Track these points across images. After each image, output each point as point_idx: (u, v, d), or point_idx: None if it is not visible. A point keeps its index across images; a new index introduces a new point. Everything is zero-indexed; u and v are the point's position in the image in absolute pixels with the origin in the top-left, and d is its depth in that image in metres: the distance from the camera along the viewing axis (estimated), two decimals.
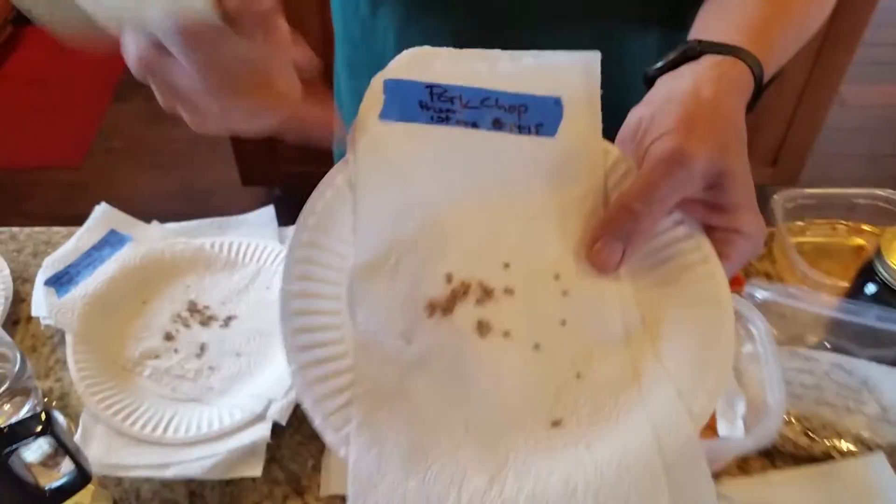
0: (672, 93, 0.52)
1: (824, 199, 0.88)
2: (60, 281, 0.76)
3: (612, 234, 0.49)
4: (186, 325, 0.75)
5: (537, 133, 0.53)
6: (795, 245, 0.87)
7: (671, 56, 0.55)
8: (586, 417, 0.46)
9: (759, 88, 0.55)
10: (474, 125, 0.52)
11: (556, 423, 0.46)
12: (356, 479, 0.43)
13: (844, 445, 0.69)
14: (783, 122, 2.08)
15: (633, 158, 0.51)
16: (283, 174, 2.17)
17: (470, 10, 0.70)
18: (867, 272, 0.72)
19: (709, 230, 0.50)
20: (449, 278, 0.50)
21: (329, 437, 0.44)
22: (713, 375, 0.46)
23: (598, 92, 0.53)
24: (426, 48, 0.54)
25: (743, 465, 0.70)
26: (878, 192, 0.87)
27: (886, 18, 3.06)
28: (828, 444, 0.69)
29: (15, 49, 2.95)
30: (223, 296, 0.78)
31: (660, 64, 0.56)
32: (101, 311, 0.75)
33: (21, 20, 3.03)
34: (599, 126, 0.53)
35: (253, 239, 0.82)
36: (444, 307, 0.49)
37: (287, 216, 0.87)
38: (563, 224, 0.52)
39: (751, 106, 0.55)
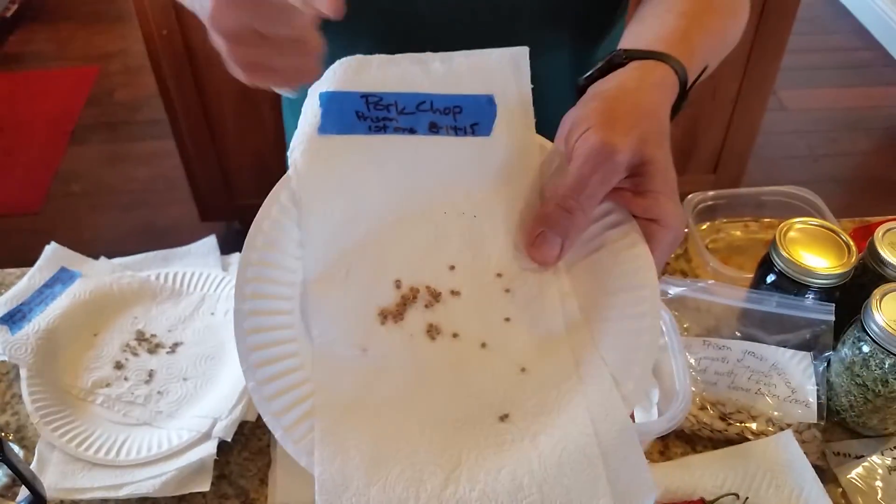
0: (597, 92, 0.56)
1: (734, 198, 0.94)
2: (14, 318, 0.80)
3: (550, 230, 0.52)
4: (135, 354, 0.79)
5: (473, 133, 0.55)
6: (709, 243, 0.93)
7: (599, 65, 0.59)
8: (531, 410, 0.49)
9: (684, 89, 0.59)
10: (412, 131, 0.54)
11: (503, 418, 0.48)
12: (323, 490, 0.45)
13: (756, 426, 0.74)
14: (720, 130, 2.16)
15: (562, 151, 0.54)
16: (240, 207, 2.21)
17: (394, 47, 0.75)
18: (766, 263, 0.78)
19: None
20: (398, 284, 0.53)
21: (290, 448, 0.46)
22: (641, 360, 0.48)
23: (528, 86, 0.56)
24: (359, 56, 0.55)
25: (665, 451, 0.75)
26: (783, 188, 0.93)
27: (811, 27, 3.19)
28: (741, 426, 0.75)
29: None
30: (169, 324, 0.82)
31: (589, 73, 0.59)
32: (54, 345, 0.79)
33: None
34: (532, 120, 0.56)
35: (197, 268, 0.86)
36: (395, 314, 0.52)
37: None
38: (504, 221, 0.54)
39: (678, 105, 0.59)
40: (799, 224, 0.78)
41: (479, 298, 0.53)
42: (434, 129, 0.55)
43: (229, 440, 0.71)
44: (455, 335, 0.52)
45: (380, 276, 0.53)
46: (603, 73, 0.58)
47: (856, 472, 0.72)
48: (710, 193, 0.92)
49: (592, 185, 0.50)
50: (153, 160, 2.67)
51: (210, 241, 0.90)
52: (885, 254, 0.75)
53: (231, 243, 0.92)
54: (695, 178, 2.23)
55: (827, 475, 0.72)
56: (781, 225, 0.78)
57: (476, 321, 0.52)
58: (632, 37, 0.64)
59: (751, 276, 0.82)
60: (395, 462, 0.46)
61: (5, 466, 0.63)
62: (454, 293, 0.53)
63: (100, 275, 0.86)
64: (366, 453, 0.46)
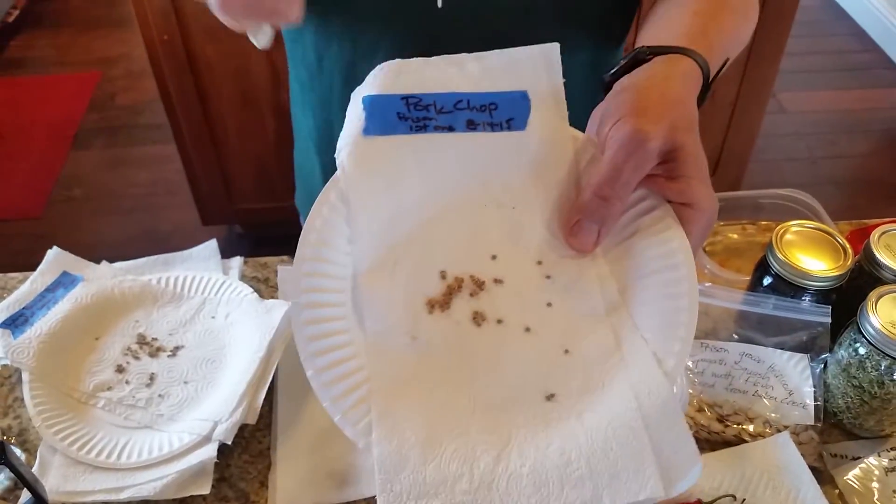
0: (626, 85, 0.58)
1: (732, 201, 0.94)
2: (16, 322, 0.80)
3: (587, 219, 0.54)
4: (136, 358, 0.80)
5: (509, 128, 0.57)
6: (707, 246, 0.93)
7: (623, 62, 0.61)
8: (576, 389, 0.51)
9: (707, 81, 0.61)
10: (450, 129, 0.57)
11: (549, 398, 0.51)
12: (382, 469, 0.48)
13: (754, 428, 0.75)
14: (720, 133, 2.17)
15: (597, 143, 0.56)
16: (241, 211, 2.22)
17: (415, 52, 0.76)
18: (763, 266, 0.78)
19: None
20: (443, 275, 0.56)
21: (348, 431, 0.49)
22: (681, 338, 0.50)
23: (560, 81, 0.58)
24: (398, 61, 0.58)
25: None
26: (781, 192, 0.93)
27: (810, 30, 3.20)
28: (739, 427, 0.75)
29: None
30: (170, 327, 0.82)
31: (614, 69, 0.62)
32: (56, 349, 0.79)
33: None
34: (566, 113, 0.58)
35: (198, 272, 0.87)
36: (442, 303, 0.55)
37: (248, 250, 0.92)
38: (541, 211, 0.57)
39: (702, 97, 0.61)
40: (795, 227, 0.79)
41: (521, 285, 0.56)
42: (472, 126, 0.57)
43: (230, 443, 0.71)
44: (500, 321, 0.54)
45: (426, 268, 0.56)
46: (627, 69, 0.61)
47: (852, 474, 0.72)
48: None
49: (626, 172, 0.52)
50: (154, 164, 2.68)
51: (211, 245, 0.91)
52: (881, 256, 0.75)
53: (232, 247, 0.93)
54: None
55: (824, 476, 0.72)
56: (778, 228, 0.78)
57: (519, 307, 0.55)
58: (650, 35, 0.66)
59: (748, 278, 0.82)
60: (449, 441, 0.49)
61: (7, 470, 0.64)
62: (497, 281, 0.56)
63: (101, 279, 0.86)
64: (420, 434, 0.49)
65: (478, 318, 0.54)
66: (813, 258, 0.76)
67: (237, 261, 0.90)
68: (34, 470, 0.70)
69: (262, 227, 2.28)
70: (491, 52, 0.59)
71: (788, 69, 2.85)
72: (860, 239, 0.81)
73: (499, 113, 0.58)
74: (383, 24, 0.77)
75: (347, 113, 0.58)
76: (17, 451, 0.74)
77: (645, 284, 0.54)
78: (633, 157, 0.52)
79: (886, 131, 2.82)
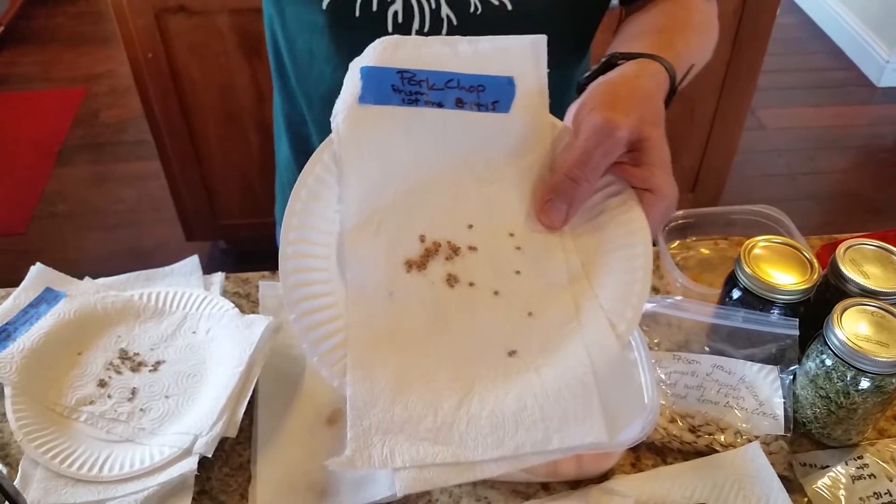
0: (599, 82, 0.63)
1: (704, 217, 0.97)
2: None
3: (557, 198, 0.59)
4: (118, 372, 0.80)
5: (494, 110, 0.62)
6: (680, 261, 0.95)
7: (597, 66, 0.67)
8: (536, 347, 0.57)
9: (673, 86, 0.67)
10: (440, 105, 0.61)
11: (511, 354, 0.57)
12: (354, 407, 0.52)
13: (725, 438, 0.76)
14: (698, 149, 2.20)
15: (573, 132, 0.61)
16: (225, 227, 2.22)
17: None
18: (732, 279, 0.80)
19: None
20: (422, 239, 0.60)
21: (325, 371, 0.54)
22: (633, 305, 0.56)
23: (545, 71, 0.62)
24: (396, 36, 0.62)
25: (636, 463, 0.76)
26: (752, 207, 0.96)
27: (787, 48, 3.26)
28: (710, 438, 0.77)
29: None
30: (152, 342, 0.83)
31: (588, 74, 0.68)
32: (39, 364, 0.80)
33: None
34: (547, 101, 0.62)
35: (179, 288, 0.88)
36: (419, 264, 0.59)
37: (232, 266, 0.94)
38: (517, 188, 0.62)
39: (669, 99, 0.66)
40: (763, 242, 0.81)
41: (493, 253, 0.61)
42: (460, 104, 0.62)
43: (210, 456, 0.72)
44: (471, 284, 0.59)
45: (407, 231, 0.60)
46: (601, 72, 0.66)
47: (821, 482, 0.74)
48: (680, 213, 0.95)
49: (596, 157, 0.58)
50: (138, 181, 2.68)
51: (192, 261, 0.92)
52: (846, 270, 0.77)
53: (216, 263, 0.94)
54: None
55: (793, 485, 0.74)
56: (746, 242, 0.80)
57: (490, 272, 0.60)
58: (622, 47, 0.71)
59: (719, 291, 0.84)
60: (417, 387, 0.54)
61: None
62: (471, 248, 0.61)
63: (84, 295, 0.87)
64: (391, 379, 0.54)
65: (451, 280, 0.59)
66: (781, 272, 0.78)
67: (218, 276, 0.91)
68: (16, 483, 0.70)
69: (245, 243, 2.28)
70: (484, 37, 0.63)
71: (767, 86, 2.90)
72: (830, 253, 0.83)
73: (486, 95, 0.62)
74: (369, 27, 0.80)
75: (345, 81, 0.62)
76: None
77: (606, 260, 0.59)
78: (603, 143, 0.57)
79: (863, 147, 2.87)
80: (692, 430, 0.77)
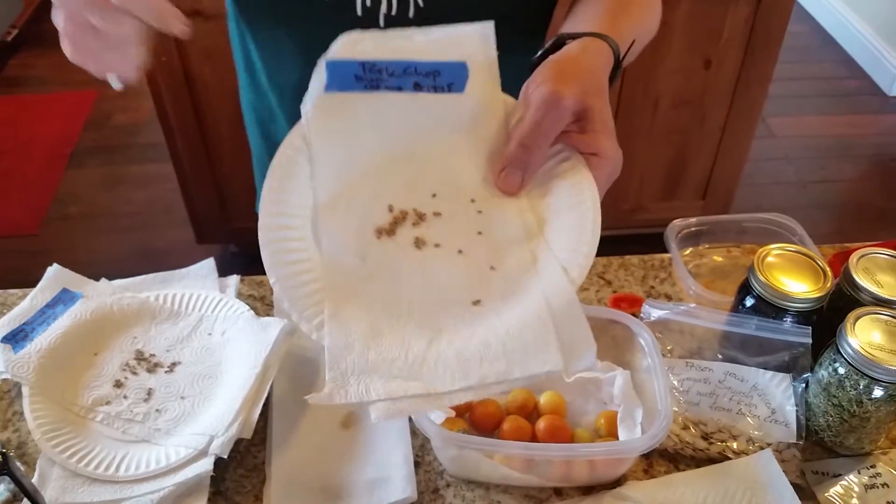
0: (547, 60, 0.67)
1: (717, 224, 0.97)
2: (16, 338, 0.82)
3: (513, 166, 0.65)
4: (134, 373, 0.81)
5: (450, 91, 0.68)
6: (693, 268, 0.95)
7: (546, 47, 0.71)
8: (498, 296, 0.62)
9: (617, 61, 0.71)
10: (399, 89, 0.67)
11: (475, 303, 0.62)
12: (331, 354, 0.57)
13: (737, 446, 0.77)
14: (709, 157, 2.20)
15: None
16: (236, 230, 2.23)
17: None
18: (745, 287, 0.80)
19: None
20: (391, 209, 0.66)
21: (304, 326, 0.59)
22: (584, 253, 0.61)
23: (495, 53, 0.68)
24: (357, 31, 0.67)
25: (649, 469, 0.77)
26: (764, 215, 0.96)
27: (799, 56, 3.25)
28: (723, 445, 0.77)
29: None
30: (168, 344, 0.84)
31: (539, 53, 0.71)
32: (55, 364, 0.81)
33: None
34: (498, 81, 0.68)
35: (195, 290, 0.89)
36: (389, 230, 0.65)
37: (242, 269, 0.94)
38: (475, 160, 0.68)
39: (613, 76, 0.71)
40: (777, 250, 0.81)
41: (456, 217, 0.66)
42: (418, 87, 0.67)
43: (225, 457, 0.73)
44: (437, 245, 0.65)
45: (376, 202, 0.66)
46: (549, 53, 0.70)
47: (833, 491, 0.74)
48: (693, 220, 0.95)
49: (545, 125, 0.63)
50: (150, 183, 2.70)
51: (208, 264, 0.93)
52: (859, 278, 0.78)
53: (227, 266, 0.95)
54: (684, 205, 2.27)
55: (805, 493, 0.74)
56: (760, 250, 0.81)
57: (454, 234, 0.65)
58: (570, 23, 0.77)
59: (732, 299, 0.85)
60: (388, 334, 0.59)
61: (7, 482, 0.65)
62: (436, 214, 0.66)
63: (101, 296, 0.88)
64: (364, 328, 0.59)
65: (418, 243, 0.64)
66: (794, 280, 0.78)
67: (234, 279, 0.92)
68: (34, 480, 0.71)
69: (256, 246, 2.28)
70: (435, 26, 0.68)
71: (778, 94, 2.90)
72: (842, 262, 0.83)
73: (441, 78, 0.67)
74: (327, 21, 0.81)
75: (312, 75, 0.67)
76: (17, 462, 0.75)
77: (559, 217, 0.64)
78: (551, 113, 0.63)
79: (874, 156, 2.86)
80: (705, 437, 0.77)
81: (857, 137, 2.94)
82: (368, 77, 0.66)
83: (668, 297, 0.94)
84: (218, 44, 1.84)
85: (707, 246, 0.99)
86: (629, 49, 0.75)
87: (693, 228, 0.95)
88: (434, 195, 0.67)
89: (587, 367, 0.57)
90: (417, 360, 0.58)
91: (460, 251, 0.64)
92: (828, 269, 0.79)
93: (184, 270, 0.93)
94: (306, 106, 0.67)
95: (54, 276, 0.91)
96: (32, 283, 0.91)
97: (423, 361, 0.58)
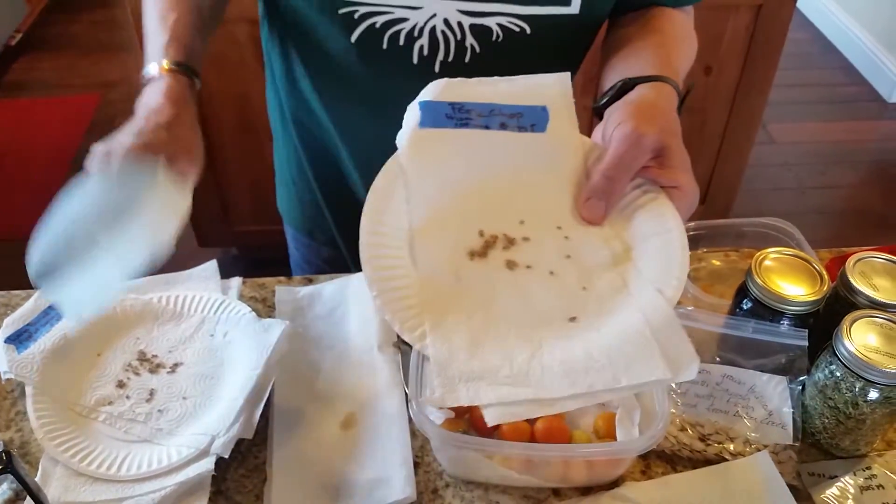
0: (623, 103, 0.73)
1: (715, 229, 0.98)
2: (20, 338, 0.83)
3: (596, 196, 0.69)
4: (137, 374, 0.82)
5: (532, 130, 0.73)
6: (691, 272, 0.96)
7: (611, 92, 0.76)
8: (594, 313, 0.65)
9: (681, 100, 0.77)
10: (486, 127, 0.73)
11: (572, 319, 0.65)
12: (437, 363, 0.60)
13: (734, 447, 0.77)
14: (709, 162, 2.21)
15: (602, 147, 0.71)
16: (237, 233, 2.24)
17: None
18: (743, 291, 0.81)
19: None
20: (482, 233, 0.70)
21: (407, 336, 0.62)
22: (676, 276, 0.64)
23: (572, 99, 0.74)
24: (445, 79, 0.74)
25: (646, 471, 0.77)
26: (762, 220, 0.97)
27: (799, 63, 3.26)
28: (720, 446, 0.77)
29: None
30: (170, 344, 0.85)
31: (604, 100, 0.77)
32: (59, 364, 0.81)
33: None
34: (577, 124, 0.74)
35: (197, 291, 0.89)
36: (481, 253, 0.69)
37: (243, 272, 0.95)
38: (558, 192, 0.72)
39: (678, 112, 0.76)
40: (774, 253, 0.82)
41: (544, 242, 0.70)
42: (503, 126, 0.73)
43: (227, 457, 0.74)
44: (528, 266, 0.68)
45: (467, 227, 0.70)
46: (615, 98, 0.75)
47: (829, 492, 0.75)
48: (692, 224, 0.96)
49: (627, 160, 0.68)
50: None
51: (211, 266, 0.93)
52: (856, 282, 0.78)
53: (229, 269, 0.96)
54: None
55: (802, 495, 0.75)
56: (757, 254, 0.81)
57: (544, 257, 0.69)
58: (623, 68, 0.81)
59: (730, 303, 0.85)
60: (490, 346, 0.62)
61: (10, 480, 0.66)
62: (525, 239, 0.70)
63: None
64: (465, 340, 0.62)
65: (510, 265, 0.68)
66: (791, 284, 0.79)
67: (236, 281, 0.93)
68: (37, 479, 0.72)
69: (257, 250, 2.29)
70: (517, 76, 0.75)
71: (777, 100, 2.90)
72: (839, 266, 0.84)
73: (524, 119, 0.73)
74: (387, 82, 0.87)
75: (405, 118, 0.73)
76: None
77: (645, 244, 0.68)
78: (633, 149, 0.68)
79: (874, 163, 2.87)
80: (702, 438, 0.78)
81: (857, 144, 2.95)
82: (458, 116, 0.72)
83: None
84: (223, 50, 1.85)
85: (705, 250, 0.99)
86: (688, 92, 0.81)
87: (692, 233, 0.96)
88: (522, 222, 0.71)
89: (690, 378, 0.61)
90: (522, 369, 0.60)
91: (552, 272, 0.68)
92: (824, 272, 0.80)
93: (186, 272, 0.93)
94: (401, 139, 0.72)
95: None
96: (34, 287, 0.91)
97: (528, 371, 0.60)
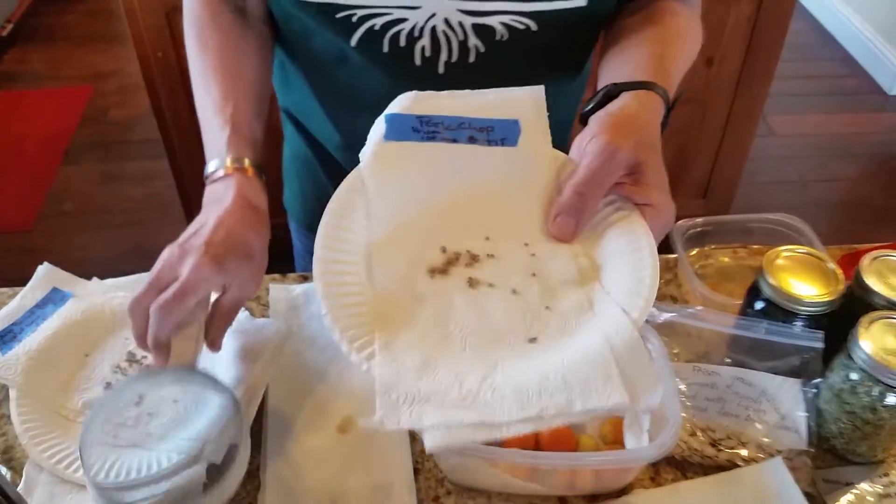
0: (602, 113, 0.70)
1: (722, 225, 0.95)
2: (4, 339, 0.80)
3: (567, 213, 0.66)
4: (126, 375, 0.79)
5: (503, 145, 0.70)
6: (698, 269, 0.93)
7: (596, 98, 0.72)
8: (555, 334, 0.61)
9: (668, 109, 0.73)
10: (454, 141, 0.70)
11: (532, 340, 0.61)
12: (381, 384, 0.56)
13: (747, 453, 0.75)
14: (709, 156, 2.18)
15: (576, 159, 0.68)
16: None
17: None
18: (754, 290, 0.78)
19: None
20: (444, 249, 0.67)
21: (354, 357, 0.58)
22: (643, 297, 0.61)
23: (545, 113, 0.71)
24: (414, 92, 0.71)
25: (655, 477, 0.75)
26: (771, 216, 0.94)
27: (799, 55, 3.24)
28: (731, 452, 0.75)
29: None
30: None
31: (589, 106, 0.73)
32: (45, 366, 0.78)
33: None
34: (549, 138, 0.71)
35: None
36: (442, 270, 0.65)
37: None
38: (527, 208, 0.69)
39: (664, 123, 0.73)
40: (786, 252, 0.79)
41: (510, 259, 0.66)
42: (472, 140, 0.70)
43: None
44: (491, 285, 0.65)
45: (429, 243, 0.67)
46: (600, 104, 0.72)
47: (845, 500, 0.73)
48: (699, 220, 0.93)
49: (600, 175, 0.65)
50: (146, 180, 2.67)
51: None
52: (871, 282, 0.76)
53: None
54: (685, 203, 2.25)
55: (817, 502, 0.72)
56: (769, 252, 0.79)
57: (508, 275, 0.65)
58: (615, 70, 0.77)
59: (740, 302, 0.83)
60: (441, 365, 0.58)
61: None
62: (489, 256, 0.67)
63: (92, 295, 0.86)
64: (416, 360, 0.58)
65: (472, 282, 0.65)
66: (804, 283, 0.76)
67: None
68: (20, 489, 0.69)
69: None
70: (489, 90, 0.72)
71: (778, 93, 2.87)
72: (851, 264, 0.81)
73: (495, 133, 0.70)
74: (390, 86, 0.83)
75: (370, 132, 0.71)
76: (3, 469, 0.73)
77: (614, 263, 0.65)
78: (607, 163, 0.64)
79: (875, 155, 2.84)
80: (713, 443, 0.75)
81: (858, 136, 2.93)
82: (425, 129, 0.70)
83: (674, 299, 0.91)
84: None
85: (713, 247, 0.97)
86: (677, 99, 0.76)
87: (699, 229, 0.93)
88: (487, 238, 0.68)
89: (652, 406, 0.57)
90: (472, 391, 0.57)
91: (514, 291, 0.64)
92: (839, 271, 0.77)
93: None
94: (365, 152, 0.70)
95: (45, 275, 0.88)
96: (25, 282, 0.88)
97: (477, 393, 0.56)
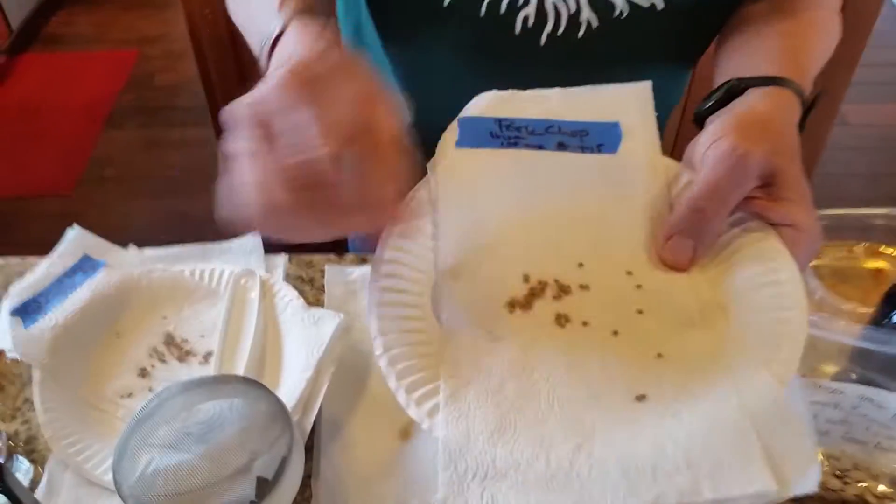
0: (728, 112, 0.58)
1: (839, 219, 0.84)
2: (28, 310, 0.70)
3: (682, 233, 0.54)
4: (163, 361, 0.70)
5: (600, 152, 0.58)
6: (813, 267, 0.82)
7: (717, 95, 0.60)
8: (671, 391, 0.49)
9: (805, 109, 0.61)
10: (540, 147, 0.59)
11: (639, 398, 0.49)
12: (446, 449, 0.46)
13: (880, 488, 0.64)
14: None
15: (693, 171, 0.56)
16: None
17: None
18: (894, 298, 0.67)
19: None
20: (526, 278, 0.55)
21: (412, 411, 0.48)
22: (789, 346, 0.49)
23: (653, 115, 0.60)
24: (494, 92, 0.62)
25: None
26: None
27: (883, 40, 3.06)
28: (862, 486, 0.64)
29: (7, 78, 2.92)
30: (203, 328, 0.72)
31: (708, 104, 0.61)
32: (72, 344, 0.69)
33: (14, 49, 3.02)
34: (658, 144, 0.59)
35: (237, 267, 0.76)
36: (524, 304, 0.54)
37: (284, 247, 0.82)
38: (631, 228, 0.57)
39: (801, 126, 0.60)
40: None
41: (609, 292, 0.55)
42: (562, 147, 0.59)
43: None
44: (585, 323, 0.53)
45: (508, 271, 0.56)
46: (722, 102, 0.60)
47: None
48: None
49: (724, 187, 0.52)
50: (190, 147, 2.62)
51: (254, 239, 0.80)
52: None
53: (267, 244, 0.83)
54: None
55: None
56: None
57: (607, 312, 0.53)
58: (738, 60, 0.66)
59: (865, 308, 0.72)
60: (522, 429, 0.47)
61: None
62: (583, 287, 0.55)
63: (127, 266, 0.76)
64: (489, 420, 0.48)
65: (561, 320, 0.53)
66: None
67: (282, 259, 0.80)
68: (41, 489, 0.60)
69: None
70: (580, 87, 0.61)
71: (854, 80, 2.72)
72: None
73: (590, 139, 0.59)
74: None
75: (442, 138, 0.61)
76: (25, 463, 0.64)
77: (747, 299, 0.52)
78: (732, 172, 0.52)
79: None
80: (838, 475, 0.65)
81: None
82: (506, 134, 0.60)
83: None
84: None
85: (825, 244, 0.85)
86: (816, 99, 0.65)
87: None
88: (580, 265, 0.56)
89: (808, 492, 0.44)
90: (563, 465, 0.45)
91: (615, 332, 0.52)
92: None
93: (225, 244, 0.80)
94: (434, 160, 0.59)
95: (75, 239, 0.78)
96: None
97: (570, 468, 0.45)
